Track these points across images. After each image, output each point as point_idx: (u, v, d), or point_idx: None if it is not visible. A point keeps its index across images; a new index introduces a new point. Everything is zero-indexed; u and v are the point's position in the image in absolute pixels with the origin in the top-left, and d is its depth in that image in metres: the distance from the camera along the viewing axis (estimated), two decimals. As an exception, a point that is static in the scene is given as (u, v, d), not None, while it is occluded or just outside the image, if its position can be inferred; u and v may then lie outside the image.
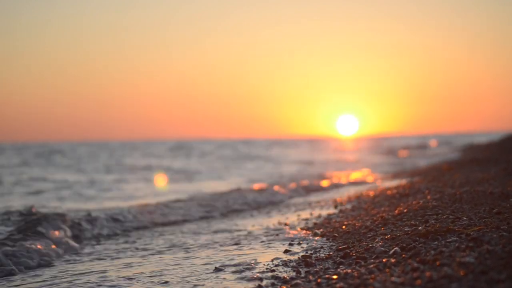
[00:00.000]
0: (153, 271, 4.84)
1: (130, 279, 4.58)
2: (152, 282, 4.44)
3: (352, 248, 4.69)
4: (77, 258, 5.94)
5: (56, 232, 6.80)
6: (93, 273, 4.96)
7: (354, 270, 3.80)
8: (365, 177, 17.31)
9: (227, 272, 4.54)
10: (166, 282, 4.41)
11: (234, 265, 4.79)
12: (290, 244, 5.56)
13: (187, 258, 5.42)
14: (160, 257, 5.58)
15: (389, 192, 9.35)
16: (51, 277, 4.93)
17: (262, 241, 6.04)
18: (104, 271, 5.00)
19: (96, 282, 4.54)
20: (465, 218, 5.12)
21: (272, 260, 4.81)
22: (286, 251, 5.19)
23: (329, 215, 7.73)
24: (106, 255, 6.01)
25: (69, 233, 7.13)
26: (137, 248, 6.31)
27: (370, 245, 4.59)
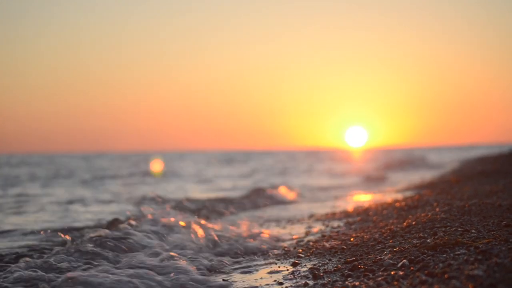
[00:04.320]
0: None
1: None
2: None
3: (360, 261, 4.68)
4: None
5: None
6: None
7: (362, 283, 3.79)
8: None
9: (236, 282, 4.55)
10: None
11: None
12: (298, 257, 5.55)
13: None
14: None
15: (397, 204, 9.34)
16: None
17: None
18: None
19: None
20: (473, 231, 5.11)
21: (280, 272, 4.81)
22: (294, 264, 5.18)
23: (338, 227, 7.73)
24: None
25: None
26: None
27: (379, 258, 4.58)
